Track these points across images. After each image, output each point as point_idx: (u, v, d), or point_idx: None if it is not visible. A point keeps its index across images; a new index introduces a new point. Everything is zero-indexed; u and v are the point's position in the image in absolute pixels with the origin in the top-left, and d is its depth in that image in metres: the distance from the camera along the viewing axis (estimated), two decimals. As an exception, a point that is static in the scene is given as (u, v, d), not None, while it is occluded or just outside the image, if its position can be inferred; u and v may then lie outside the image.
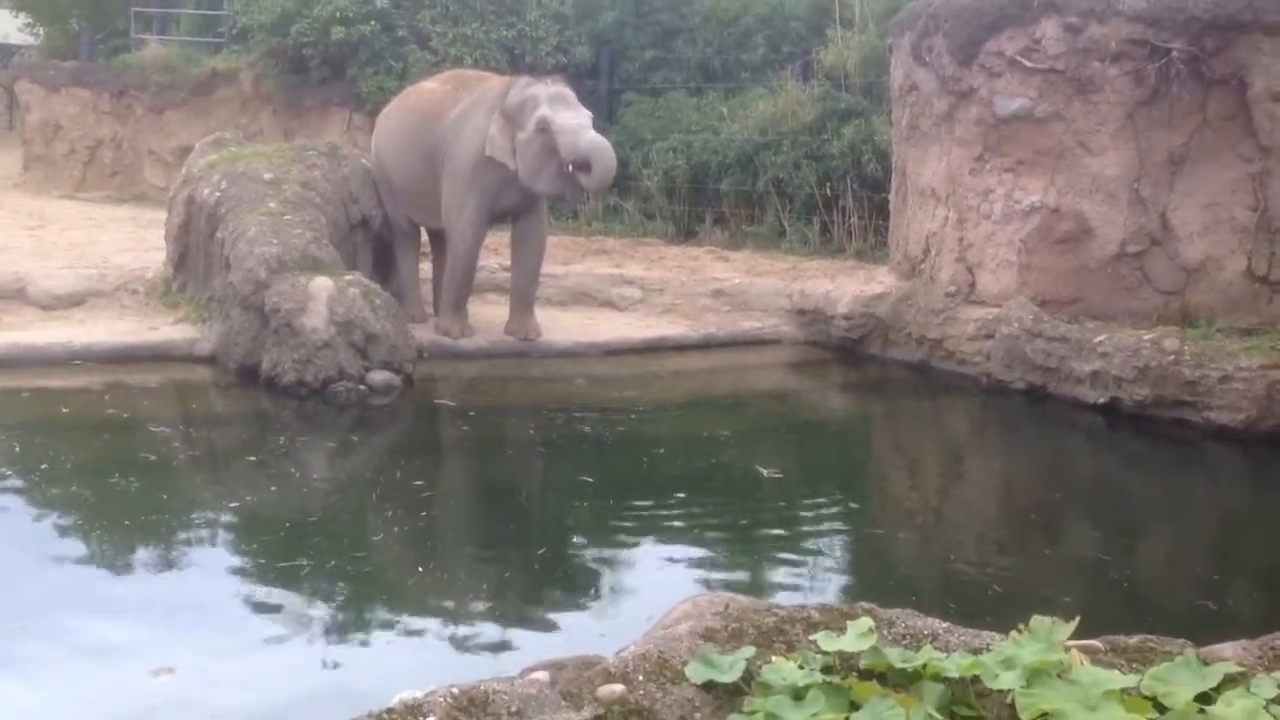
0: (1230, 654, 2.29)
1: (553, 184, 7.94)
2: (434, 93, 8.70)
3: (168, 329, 7.99)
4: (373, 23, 13.90)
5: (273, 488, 5.43)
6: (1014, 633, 2.23)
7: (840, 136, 11.50)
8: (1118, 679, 2.07)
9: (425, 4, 14.26)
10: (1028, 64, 7.70)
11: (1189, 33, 7.30)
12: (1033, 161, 7.81)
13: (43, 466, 5.51)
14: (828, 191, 11.34)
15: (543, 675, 2.18)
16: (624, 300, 9.90)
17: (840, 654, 2.21)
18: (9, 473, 5.45)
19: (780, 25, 13.95)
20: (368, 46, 13.99)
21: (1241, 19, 7.24)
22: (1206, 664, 2.19)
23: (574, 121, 7.73)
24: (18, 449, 5.89)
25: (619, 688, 2.10)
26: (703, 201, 12.40)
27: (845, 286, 9.31)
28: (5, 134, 22.69)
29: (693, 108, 13.38)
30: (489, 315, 8.85)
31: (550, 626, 4.01)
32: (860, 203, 11.13)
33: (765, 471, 5.90)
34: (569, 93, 8.01)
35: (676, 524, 5.28)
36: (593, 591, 4.31)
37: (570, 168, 7.71)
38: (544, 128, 7.69)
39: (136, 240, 10.85)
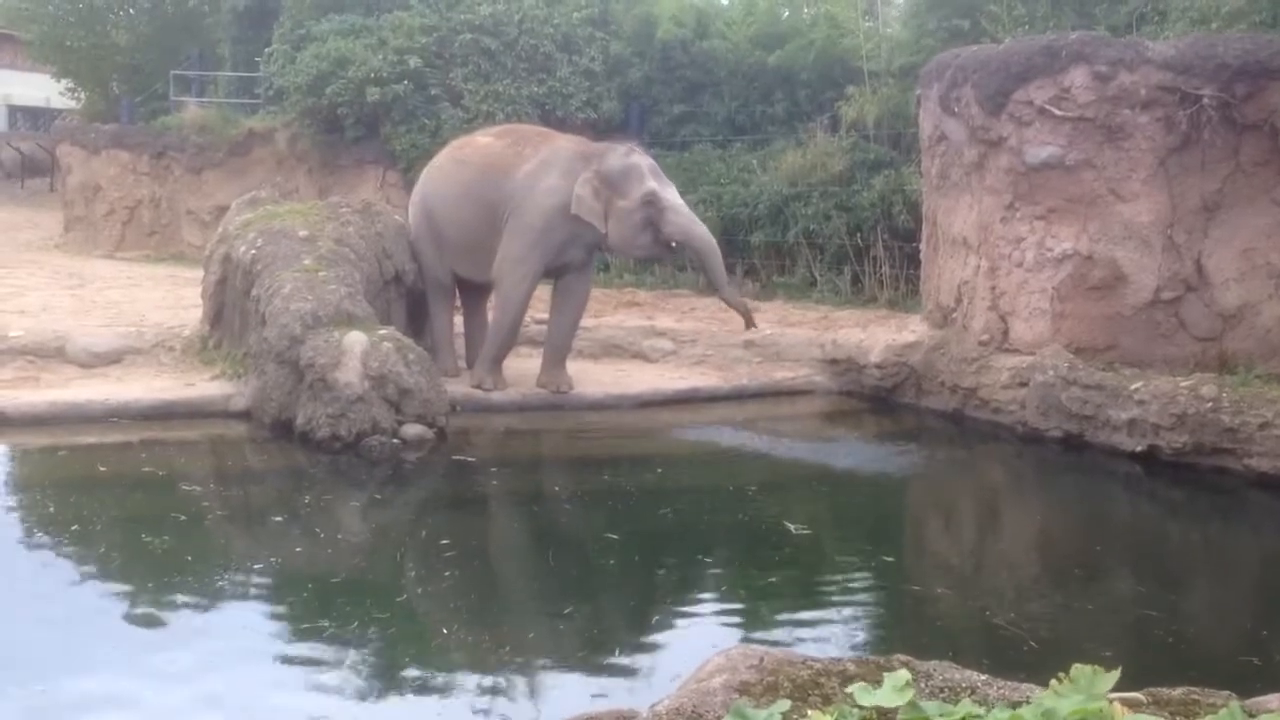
0: (1276, 705, 2.23)
1: (647, 250, 8.50)
2: (492, 147, 8.68)
3: (204, 385, 8.05)
4: (406, 82, 14.12)
5: (298, 548, 5.40)
6: (1054, 681, 2.19)
7: (870, 187, 11.56)
8: (1161, 732, 2.03)
9: (457, 62, 14.47)
10: (1057, 112, 7.69)
11: (1219, 79, 7.28)
12: (1064, 209, 7.78)
13: (74, 526, 5.52)
14: (858, 241, 11.37)
15: (575, 730, 2.15)
16: (656, 352, 9.91)
17: (877, 708, 2.17)
18: (40, 532, 5.47)
19: (802, 80, 14.07)
20: (401, 105, 14.20)
21: (1272, 65, 7.23)
22: (1252, 716, 2.13)
23: (684, 207, 8.26)
24: (52, 508, 5.91)
25: (651, 743, 2.07)
26: (733, 253, 12.45)
27: (877, 336, 9.29)
28: (47, 196, 23.13)
29: (719, 160, 13.48)
30: (520, 368, 8.88)
31: (582, 683, 3.96)
32: (891, 252, 11.14)
33: (793, 528, 5.83)
34: (657, 165, 8.55)
35: (708, 579, 5.24)
36: (624, 647, 4.27)
37: (672, 243, 8.26)
38: (651, 201, 8.00)
39: (174, 298, 11.00)
